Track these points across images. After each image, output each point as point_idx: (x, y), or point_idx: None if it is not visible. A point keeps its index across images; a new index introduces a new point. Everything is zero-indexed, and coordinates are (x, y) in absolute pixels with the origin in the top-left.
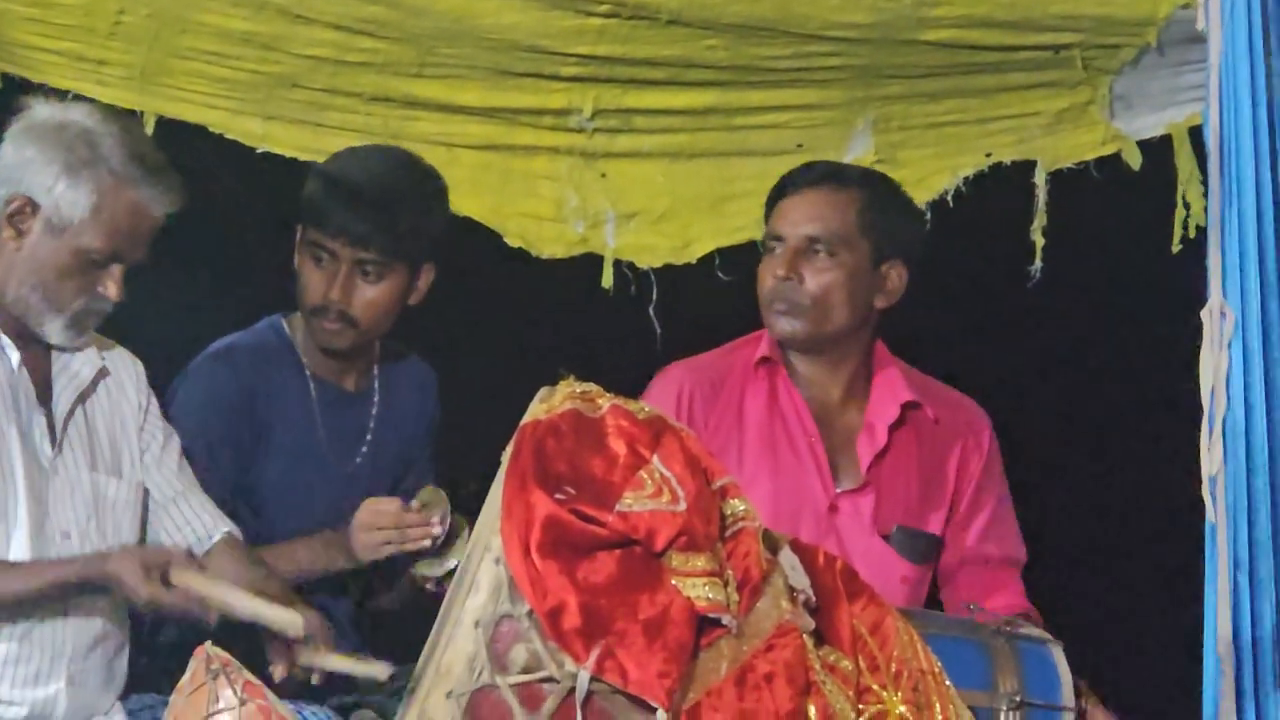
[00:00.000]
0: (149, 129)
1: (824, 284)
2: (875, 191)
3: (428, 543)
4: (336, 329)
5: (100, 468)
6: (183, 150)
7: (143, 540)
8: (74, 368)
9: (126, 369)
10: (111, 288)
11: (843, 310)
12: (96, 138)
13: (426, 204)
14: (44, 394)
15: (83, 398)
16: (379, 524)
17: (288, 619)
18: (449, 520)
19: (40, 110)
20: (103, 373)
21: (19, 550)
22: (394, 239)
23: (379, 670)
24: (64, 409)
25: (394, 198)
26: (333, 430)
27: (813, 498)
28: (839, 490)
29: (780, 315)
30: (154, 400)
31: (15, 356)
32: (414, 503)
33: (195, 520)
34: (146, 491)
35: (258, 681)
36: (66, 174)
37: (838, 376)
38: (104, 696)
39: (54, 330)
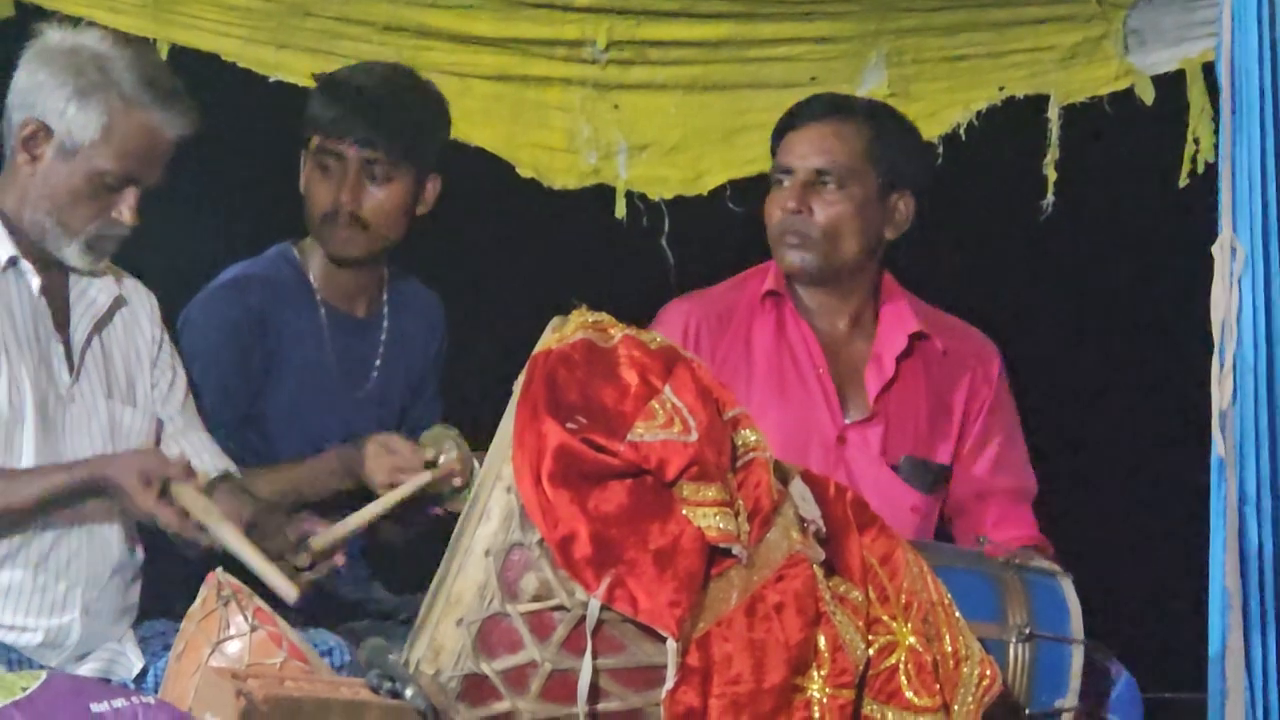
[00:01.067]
0: (162, 55)
1: (833, 216)
2: (881, 123)
3: (457, 482)
4: (347, 235)
5: (116, 396)
6: (195, 79)
7: None
8: (91, 294)
9: (141, 301)
10: (126, 212)
11: (853, 242)
12: (107, 61)
13: (429, 111)
14: (62, 321)
15: (99, 326)
16: (397, 465)
17: (282, 586)
18: (470, 462)
19: (52, 35)
20: (119, 301)
21: None
22: (399, 140)
23: (287, 591)
24: (81, 336)
25: (398, 101)
26: (342, 356)
27: (821, 429)
28: (847, 421)
29: (790, 248)
30: (166, 335)
31: (36, 282)
32: (422, 442)
33: (195, 458)
34: (159, 423)
35: (269, 608)
36: (77, 97)
37: (845, 308)
38: (117, 625)
39: (71, 254)
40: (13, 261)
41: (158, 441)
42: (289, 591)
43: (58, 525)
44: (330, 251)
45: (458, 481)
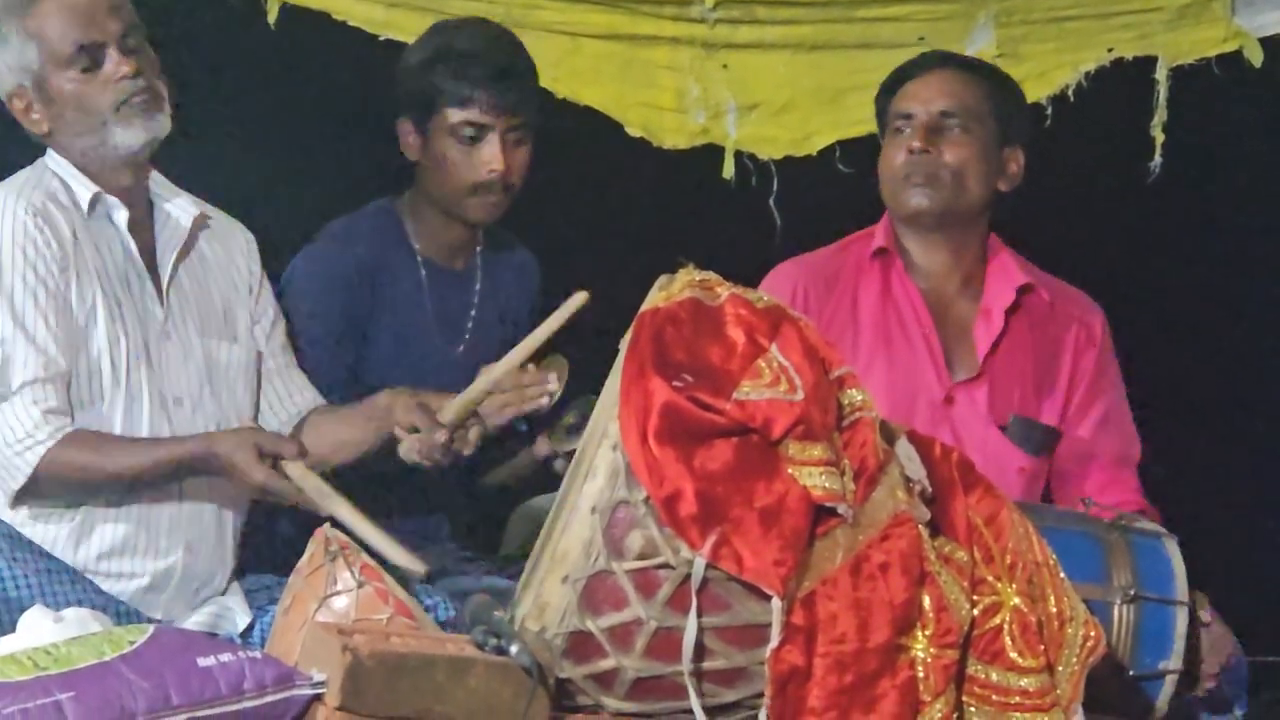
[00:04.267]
0: (271, 16)
1: (962, 157)
2: (995, 77)
3: (545, 400)
4: (496, 200)
5: (212, 333)
6: (303, 37)
7: (256, 409)
8: (174, 217)
9: (235, 236)
10: (121, 68)
11: (978, 185)
12: None
13: (535, 70)
14: (150, 260)
15: (186, 251)
16: (497, 387)
17: (405, 559)
18: (565, 381)
19: None
20: (201, 220)
21: (139, 419)
22: (531, 103)
23: (412, 564)
24: (168, 266)
25: (523, 66)
26: (440, 309)
27: (928, 389)
28: (954, 381)
29: (916, 188)
30: (265, 274)
31: (123, 215)
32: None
33: (297, 394)
34: (260, 358)
35: (375, 564)
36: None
37: (955, 266)
38: (221, 568)
39: (120, 137)
40: (96, 199)
41: (258, 379)
42: (415, 565)
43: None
44: (474, 219)
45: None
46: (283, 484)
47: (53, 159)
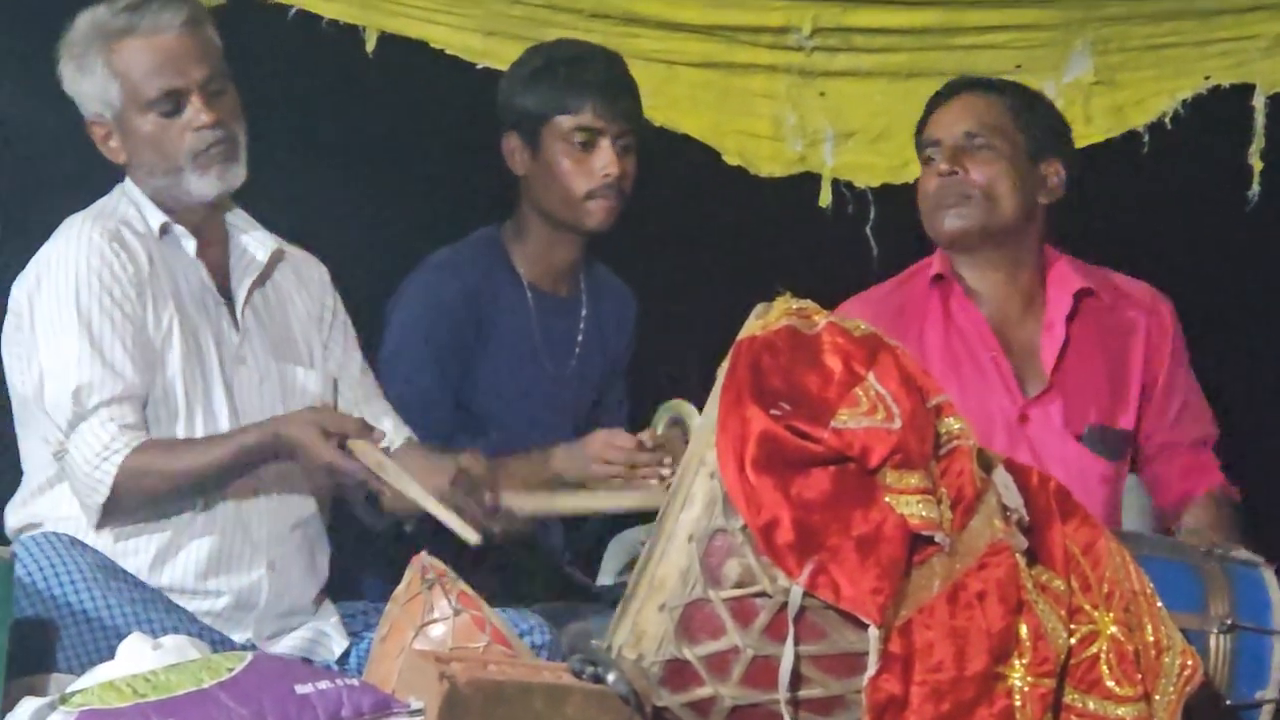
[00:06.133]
0: (370, 45)
1: (989, 174)
2: (1019, 94)
3: (654, 481)
4: (610, 205)
5: (287, 357)
6: (401, 66)
7: None
8: (250, 252)
9: (309, 268)
10: (200, 115)
11: (1010, 200)
12: (87, 19)
13: (636, 84)
14: (224, 284)
15: (261, 280)
16: (611, 457)
17: (462, 529)
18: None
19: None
20: (278, 255)
21: None
22: (638, 115)
23: (468, 534)
24: (243, 295)
25: (627, 77)
26: (547, 335)
27: (1001, 410)
28: (1027, 398)
29: (949, 210)
30: (340, 302)
31: (192, 244)
32: (646, 436)
33: (375, 425)
34: (336, 383)
35: (472, 592)
36: (80, 73)
37: (1013, 283)
38: (307, 586)
39: (194, 185)
40: (165, 228)
41: (335, 405)
42: (470, 534)
43: (241, 490)
44: (589, 225)
45: (662, 476)
46: (350, 464)
47: (128, 186)
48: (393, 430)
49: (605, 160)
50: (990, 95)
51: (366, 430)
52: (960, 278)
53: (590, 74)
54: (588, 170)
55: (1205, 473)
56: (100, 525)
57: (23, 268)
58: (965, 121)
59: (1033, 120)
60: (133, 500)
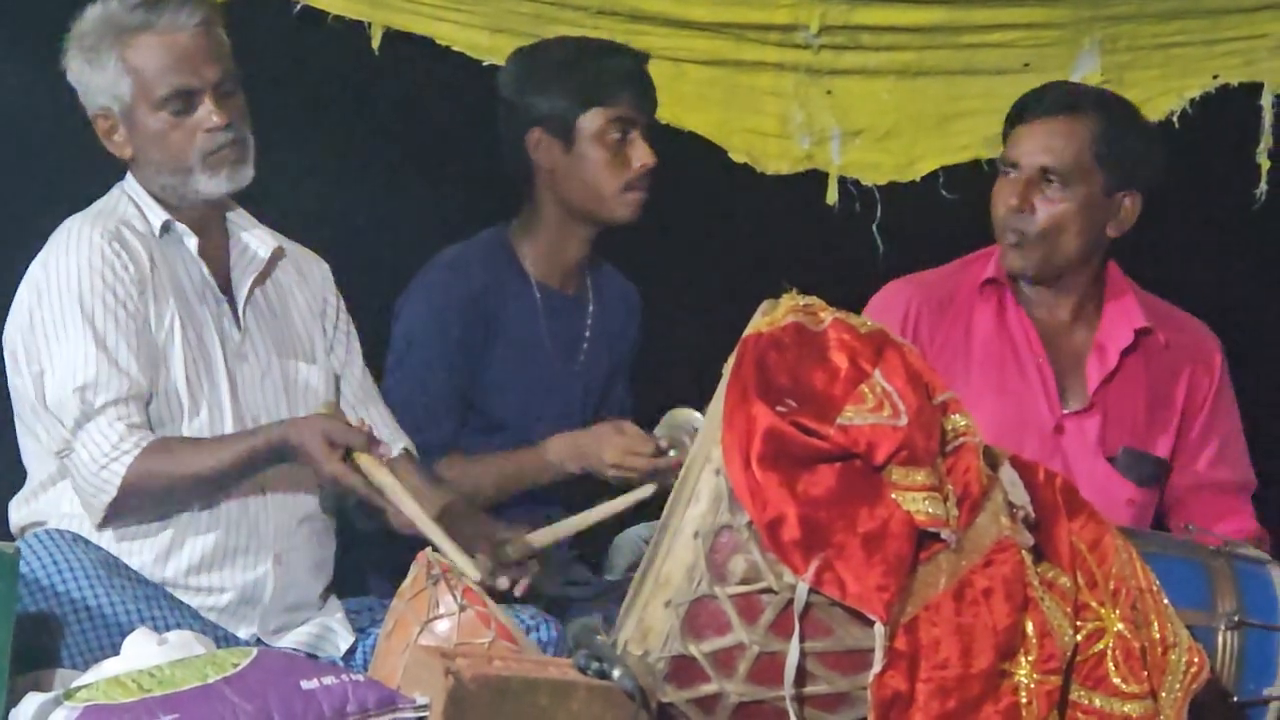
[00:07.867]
0: (375, 41)
1: (1055, 215)
2: (1111, 118)
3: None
4: (643, 196)
5: (289, 353)
6: (407, 62)
7: None
8: (251, 249)
9: (310, 263)
10: (211, 116)
11: (1073, 242)
12: (101, 13)
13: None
14: (224, 281)
15: (262, 278)
16: (630, 464)
17: (465, 564)
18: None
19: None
20: (279, 253)
21: None
22: (656, 105)
23: (470, 569)
24: (245, 292)
25: (646, 66)
26: (555, 332)
27: (1038, 418)
28: (1066, 411)
29: (1010, 248)
30: (342, 303)
31: (193, 242)
32: (661, 437)
33: (374, 430)
34: (339, 379)
35: (477, 588)
36: (90, 66)
37: (1066, 300)
38: (313, 581)
39: (203, 185)
40: (167, 226)
41: (338, 403)
42: (472, 570)
43: (247, 485)
44: (621, 216)
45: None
46: (353, 478)
47: (130, 184)
48: (389, 438)
49: (642, 152)
50: (1081, 122)
51: (373, 444)
52: (1014, 284)
53: (622, 67)
54: (624, 162)
55: (1238, 519)
56: (103, 525)
57: (23, 267)
58: (1046, 155)
59: (1118, 151)
60: (137, 501)
